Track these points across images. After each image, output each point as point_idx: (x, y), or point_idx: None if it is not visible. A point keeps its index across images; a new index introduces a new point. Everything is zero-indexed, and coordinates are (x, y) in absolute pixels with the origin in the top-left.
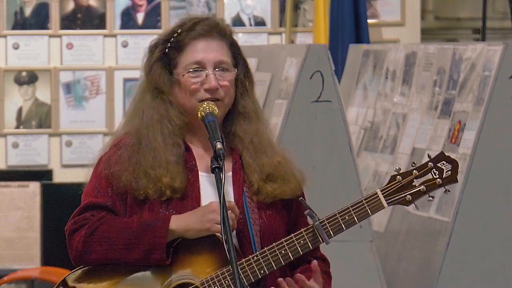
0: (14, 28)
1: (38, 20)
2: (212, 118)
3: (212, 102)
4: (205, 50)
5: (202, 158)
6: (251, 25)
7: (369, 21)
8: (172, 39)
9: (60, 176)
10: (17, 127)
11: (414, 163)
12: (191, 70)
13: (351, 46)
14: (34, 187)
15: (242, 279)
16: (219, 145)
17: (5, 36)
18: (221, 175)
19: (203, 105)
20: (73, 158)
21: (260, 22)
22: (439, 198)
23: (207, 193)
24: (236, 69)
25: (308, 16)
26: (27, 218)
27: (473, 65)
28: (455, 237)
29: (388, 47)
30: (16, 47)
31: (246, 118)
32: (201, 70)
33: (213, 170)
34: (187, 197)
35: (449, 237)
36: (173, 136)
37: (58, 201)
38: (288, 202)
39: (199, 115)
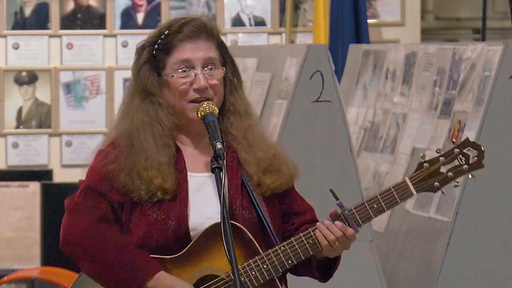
0: (14, 28)
1: (38, 20)
2: (212, 118)
3: (211, 102)
4: (193, 50)
5: (194, 158)
6: (251, 25)
7: (369, 21)
8: (159, 41)
9: (60, 176)
10: (17, 127)
11: (439, 149)
12: (179, 70)
13: (351, 46)
14: (34, 187)
15: (256, 275)
16: (219, 145)
17: (5, 36)
18: (221, 175)
19: (203, 105)
20: (73, 158)
21: (260, 22)
22: (439, 198)
23: (196, 195)
24: (224, 67)
25: (308, 16)
26: (27, 218)
27: (473, 65)
28: (455, 237)
29: (388, 47)
30: (16, 47)
31: (236, 115)
32: (189, 70)
33: (213, 170)
34: (176, 199)
35: (449, 237)
36: (164, 138)
37: (58, 201)
38: (280, 194)
39: (199, 115)
